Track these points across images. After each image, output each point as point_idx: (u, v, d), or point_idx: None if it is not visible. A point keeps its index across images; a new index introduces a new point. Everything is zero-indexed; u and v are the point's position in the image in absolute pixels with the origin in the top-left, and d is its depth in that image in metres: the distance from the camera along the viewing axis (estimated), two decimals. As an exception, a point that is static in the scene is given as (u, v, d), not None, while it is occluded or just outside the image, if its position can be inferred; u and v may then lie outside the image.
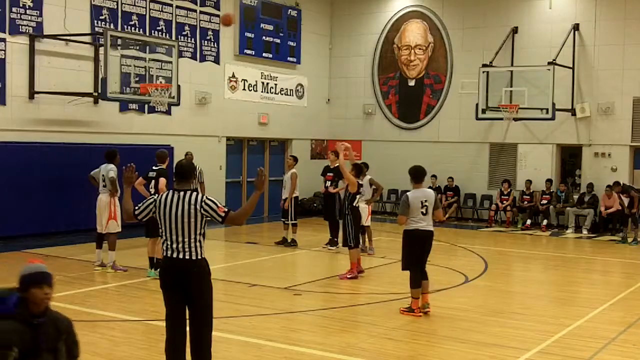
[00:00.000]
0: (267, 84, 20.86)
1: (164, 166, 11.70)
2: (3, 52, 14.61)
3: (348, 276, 11.41)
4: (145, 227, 10.76)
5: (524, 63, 19.34)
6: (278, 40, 20.91)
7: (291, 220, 14.92)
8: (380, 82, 22.30)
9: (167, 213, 5.81)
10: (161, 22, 17.68)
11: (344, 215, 11.72)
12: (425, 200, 8.94)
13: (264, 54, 20.51)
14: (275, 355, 7.34)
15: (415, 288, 9.02)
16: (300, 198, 16.00)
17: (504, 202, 19.51)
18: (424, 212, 8.93)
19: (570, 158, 20.14)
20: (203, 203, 5.80)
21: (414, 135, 21.79)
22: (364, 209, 12.96)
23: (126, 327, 8.41)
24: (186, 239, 5.78)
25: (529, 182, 19.42)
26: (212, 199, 5.86)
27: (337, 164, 15.07)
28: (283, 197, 15.05)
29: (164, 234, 5.86)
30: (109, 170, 11.80)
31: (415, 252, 9.04)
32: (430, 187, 20.30)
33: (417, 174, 9.11)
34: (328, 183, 14.94)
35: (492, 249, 15.50)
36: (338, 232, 14.08)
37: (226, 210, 5.82)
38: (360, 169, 12.18)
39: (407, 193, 9.06)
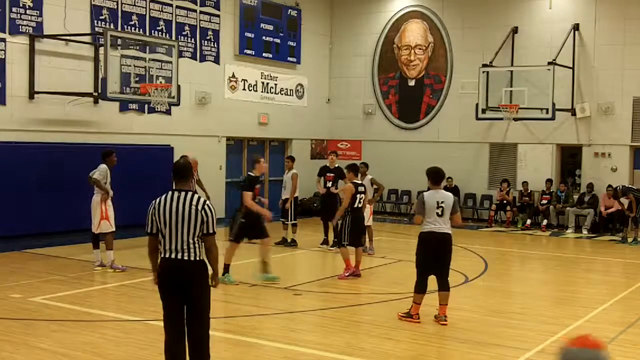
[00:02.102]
0: (267, 84, 20.86)
1: (254, 172, 11.25)
2: (3, 52, 14.61)
3: (346, 274, 11.41)
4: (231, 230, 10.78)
5: (524, 63, 19.34)
6: (278, 40, 20.91)
7: (291, 220, 14.92)
8: (380, 82, 22.30)
9: (167, 213, 5.80)
10: (161, 22, 17.67)
11: (344, 215, 11.68)
12: (442, 202, 8.64)
13: (264, 54, 20.51)
14: (275, 355, 7.34)
15: (418, 293, 8.73)
16: (300, 198, 16.00)
17: (504, 202, 19.51)
18: (440, 213, 8.61)
19: (569, 158, 20.14)
20: (206, 206, 5.82)
21: (414, 135, 21.79)
22: (365, 209, 12.91)
23: (126, 327, 8.41)
24: (185, 240, 5.79)
25: (525, 184, 19.37)
26: (213, 211, 5.87)
27: (337, 165, 15.14)
28: (283, 198, 15.04)
29: (162, 234, 5.85)
30: (96, 170, 11.71)
31: (427, 255, 8.69)
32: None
33: (435, 175, 8.86)
34: (329, 183, 14.94)
35: (492, 249, 15.50)
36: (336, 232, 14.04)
37: (215, 232, 5.86)
38: (356, 169, 12.12)
39: (424, 193, 8.87)
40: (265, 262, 10.97)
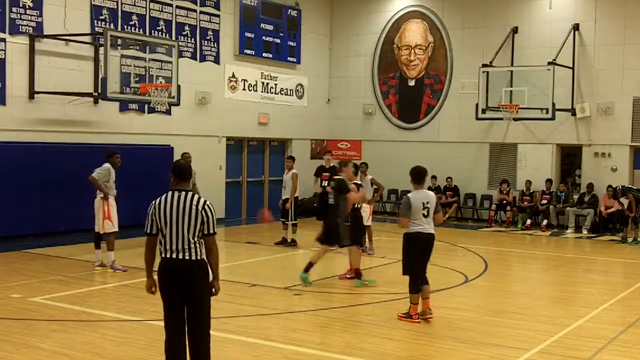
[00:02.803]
0: (267, 84, 20.86)
1: (342, 175, 11.27)
2: (3, 52, 14.61)
3: (348, 276, 11.41)
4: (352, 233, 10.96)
5: (524, 63, 19.35)
6: (278, 40, 20.91)
7: (291, 220, 14.94)
8: (380, 82, 22.30)
9: (168, 213, 5.80)
10: (161, 22, 17.67)
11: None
12: (427, 202, 8.71)
13: (264, 54, 20.52)
14: (275, 355, 7.34)
15: (414, 293, 8.80)
16: (300, 198, 16.00)
17: (504, 202, 19.52)
18: (425, 214, 8.69)
19: (567, 157, 20.12)
20: (206, 206, 5.82)
21: (414, 135, 21.79)
22: (365, 209, 12.93)
23: (126, 327, 8.41)
24: (185, 240, 5.79)
25: (528, 183, 19.43)
26: (213, 211, 5.87)
27: (333, 164, 15.15)
28: (283, 197, 15.04)
29: (162, 234, 5.85)
30: (97, 168, 11.68)
31: (417, 256, 8.78)
32: (429, 188, 20.45)
33: (418, 175, 8.87)
34: (325, 182, 14.96)
35: (492, 249, 15.50)
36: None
37: (216, 232, 5.86)
38: (356, 167, 12.13)
39: (408, 194, 8.84)
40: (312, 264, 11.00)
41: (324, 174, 15.15)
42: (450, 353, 7.70)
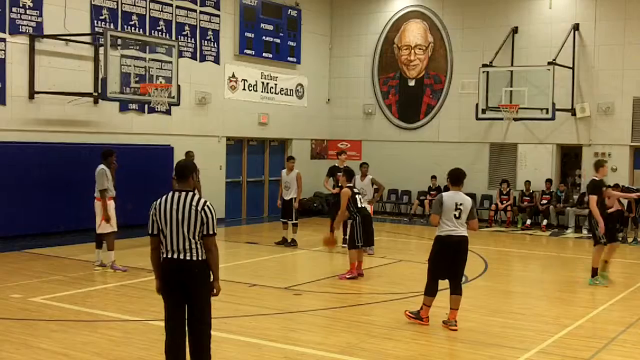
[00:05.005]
0: (267, 84, 20.86)
1: (597, 176, 11.69)
2: (3, 52, 14.60)
3: (347, 276, 11.40)
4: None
5: (524, 63, 19.35)
6: (278, 40, 20.91)
7: (294, 220, 14.96)
8: (380, 82, 22.30)
9: (168, 214, 5.81)
10: (161, 22, 17.67)
11: (352, 217, 11.63)
12: (460, 204, 8.48)
13: (264, 54, 20.51)
14: (275, 355, 7.34)
15: (428, 296, 8.62)
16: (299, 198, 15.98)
17: (504, 202, 19.52)
18: (457, 215, 8.46)
19: (564, 158, 20.11)
20: (206, 207, 5.82)
21: (414, 135, 21.79)
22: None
23: (126, 327, 8.41)
24: (185, 240, 5.79)
25: (528, 183, 19.40)
26: (213, 212, 5.86)
27: (346, 165, 15.15)
28: (287, 198, 15.00)
29: (163, 235, 5.85)
30: (97, 178, 11.56)
31: (443, 260, 8.55)
32: (429, 188, 20.50)
33: (455, 177, 8.73)
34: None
35: (492, 249, 15.49)
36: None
37: (216, 233, 5.85)
38: (350, 174, 12.07)
39: (442, 193, 8.77)
40: (607, 262, 11.76)
41: (338, 174, 15.14)
42: (451, 353, 7.70)
